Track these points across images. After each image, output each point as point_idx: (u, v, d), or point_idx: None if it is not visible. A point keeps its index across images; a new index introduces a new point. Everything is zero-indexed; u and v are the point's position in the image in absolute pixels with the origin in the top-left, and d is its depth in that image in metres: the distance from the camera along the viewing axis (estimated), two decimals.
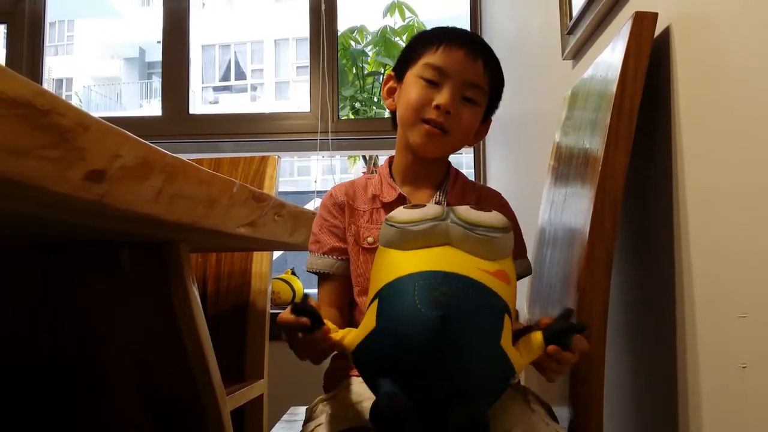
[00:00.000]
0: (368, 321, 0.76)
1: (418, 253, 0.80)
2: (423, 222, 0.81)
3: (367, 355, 0.75)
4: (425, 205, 0.86)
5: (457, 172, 1.07)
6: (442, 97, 0.97)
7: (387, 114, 1.09)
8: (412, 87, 0.99)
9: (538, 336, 0.78)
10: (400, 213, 0.84)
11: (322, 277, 1.03)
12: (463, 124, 0.99)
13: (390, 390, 0.71)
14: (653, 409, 0.98)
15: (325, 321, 0.79)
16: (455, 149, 1.04)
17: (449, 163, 1.08)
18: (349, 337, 0.79)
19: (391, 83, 1.07)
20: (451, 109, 0.97)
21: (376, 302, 0.76)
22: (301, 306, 0.77)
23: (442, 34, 1.01)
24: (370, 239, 1.00)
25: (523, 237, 1.04)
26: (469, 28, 2.74)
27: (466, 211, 0.83)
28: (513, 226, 1.02)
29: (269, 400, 1.75)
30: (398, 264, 0.79)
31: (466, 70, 0.98)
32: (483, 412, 0.73)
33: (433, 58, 0.99)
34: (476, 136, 1.06)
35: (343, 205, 1.04)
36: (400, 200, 1.01)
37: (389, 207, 1.01)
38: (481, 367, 0.72)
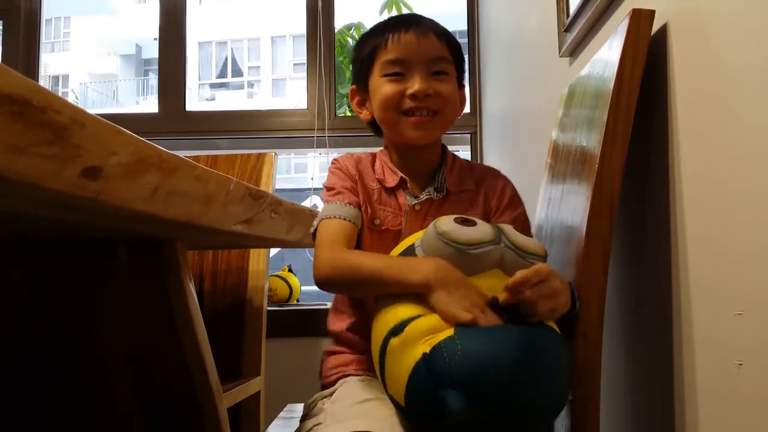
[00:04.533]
0: (437, 323, 0.76)
1: (478, 282, 0.80)
2: (481, 245, 0.82)
3: (446, 358, 0.72)
4: (476, 222, 0.85)
5: (454, 157, 1.07)
6: (414, 84, 0.97)
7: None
8: (381, 88, 1.00)
9: None
10: (455, 230, 0.83)
11: (336, 224, 0.98)
12: (447, 98, 0.99)
13: (465, 406, 0.69)
14: (650, 407, 0.98)
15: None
16: (449, 126, 1.04)
17: (444, 147, 1.08)
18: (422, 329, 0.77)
19: (357, 97, 1.07)
20: (429, 91, 0.97)
21: (452, 331, 0.75)
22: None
23: (383, 29, 1.02)
24: (376, 221, 1.00)
25: (527, 215, 1.05)
26: (466, 25, 2.74)
27: (516, 236, 0.85)
28: (516, 202, 1.04)
29: (266, 398, 1.75)
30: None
31: (424, 48, 0.98)
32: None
33: (387, 54, 0.99)
34: (460, 107, 1.06)
35: (355, 178, 1.03)
36: (402, 184, 1.02)
37: (391, 191, 1.01)
38: (558, 392, 0.75)
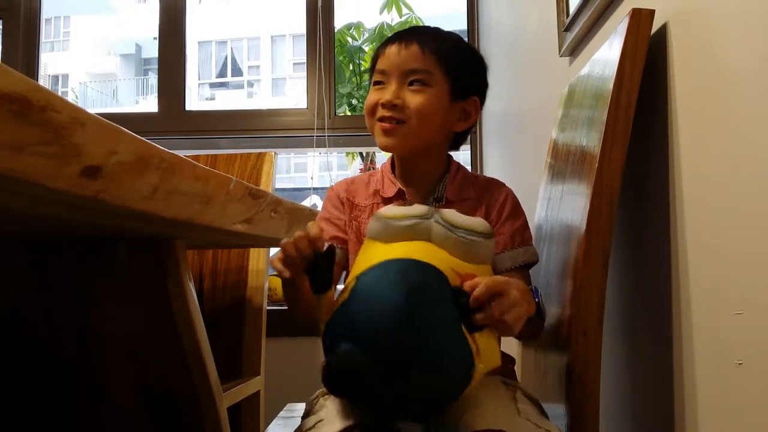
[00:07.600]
0: (343, 296, 0.80)
1: (398, 245, 0.84)
2: (407, 219, 0.86)
3: (337, 321, 0.77)
4: (414, 204, 0.91)
5: (459, 167, 1.07)
6: (384, 94, 1.01)
7: None
8: (368, 96, 1.05)
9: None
10: (389, 209, 0.89)
11: None
12: (416, 109, 0.99)
13: (348, 348, 0.73)
14: (649, 405, 0.98)
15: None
16: (426, 137, 1.02)
17: (450, 157, 1.08)
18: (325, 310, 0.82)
19: None
20: (395, 101, 0.99)
21: (354, 282, 0.79)
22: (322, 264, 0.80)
23: (385, 41, 1.07)
24: None
25: (528, 225, 1.03)
26: (465, 24, 2.74)
27: (451, 214, 0.86)
28: (517, 213, 1.02)
29: (266, 397, 1.75)
30: (379, 254, 0.83)
31: (402, 61, 1.01)
32: (444, 389, 0.74)
33: (377, 64, 1.04)
34: (465, 119, 1.04)
35: (343, 200, 1.06)
36: (400, 195, 1.02)
37: (389, 202, 1.02)
38: (440, 343, 0.75)
